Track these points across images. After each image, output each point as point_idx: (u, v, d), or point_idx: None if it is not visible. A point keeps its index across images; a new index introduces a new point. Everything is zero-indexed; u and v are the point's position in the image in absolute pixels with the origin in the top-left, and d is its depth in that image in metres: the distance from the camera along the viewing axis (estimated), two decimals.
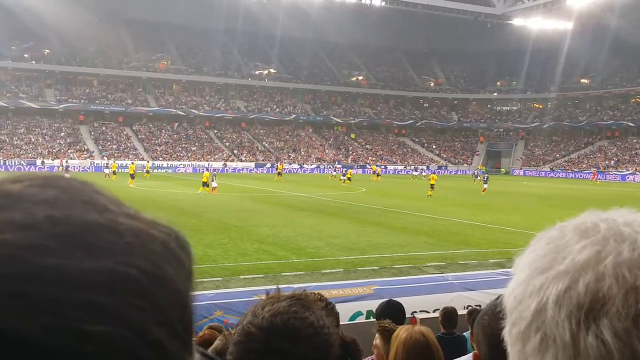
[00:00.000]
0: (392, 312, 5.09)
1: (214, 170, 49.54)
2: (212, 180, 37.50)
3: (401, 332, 3.20)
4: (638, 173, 67.82)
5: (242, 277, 13.88)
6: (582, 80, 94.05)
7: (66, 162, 61.75)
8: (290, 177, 62.45)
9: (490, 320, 1.69)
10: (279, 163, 66.58)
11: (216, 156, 77.16)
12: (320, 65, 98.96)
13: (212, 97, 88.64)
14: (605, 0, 72.40)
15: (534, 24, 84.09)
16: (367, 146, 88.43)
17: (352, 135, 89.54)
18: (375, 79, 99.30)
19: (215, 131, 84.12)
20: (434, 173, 50.23)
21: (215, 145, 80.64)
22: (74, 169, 64.88)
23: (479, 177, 60.01)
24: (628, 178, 67.10)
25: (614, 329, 0.55)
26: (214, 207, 28.97)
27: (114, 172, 50.98)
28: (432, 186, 39.34)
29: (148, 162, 63.61)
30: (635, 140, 79.20)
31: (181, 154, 75.91)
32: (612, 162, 75.42)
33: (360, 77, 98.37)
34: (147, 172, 56.33)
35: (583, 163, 78.46)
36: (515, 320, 0.63)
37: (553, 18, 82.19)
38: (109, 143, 75.03)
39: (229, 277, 13.80)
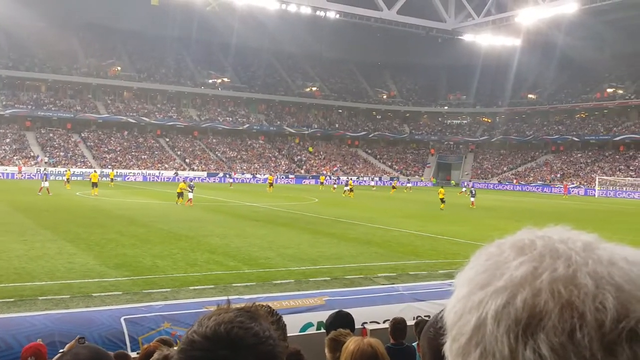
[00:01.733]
0: (341, 323, 5.08)
1: (192, 180, 47.75)
2: (190, 192, 36.09)
3: (350, 344, 3.19)
4: (582, 186, 69.99)
5: (191, 288, 13.65)
6: (530, 96, 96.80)
7: (44, 169, 58.91)
8: (243, 187, 62.07)
9: (435, 332, 1.70)
10: (270, 174, 65.40)
11: (167, 165, 76.11)
12: (274, 75, 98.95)
13: (164, 105, 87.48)
14: (551, 18, 74.71)
15: (484, 40, 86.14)
16: (320, 156, 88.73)
17: (310, 149, 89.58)
18: (329, 90, 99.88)
19: (167, 140, 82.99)
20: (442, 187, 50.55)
21: (167, 153, 79.53)
22: (24, 176, 63.03)
23: (464, 189, 61.04)
24: (573, 191, 69.18)
25: (550, 344, 0.56)
26: (165, 216, 28.52)
27: (68, 180, 49.69)
28: (442, 200, 39.41)
29: (112, 170, 62.40)
30: (579, 155, 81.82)
31: (131, 162, 74.56)
32: (558, 175, 77.67)
33: (314, 88, 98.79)
34: (112, 180, 55.43)
35: (530, 176, 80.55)
36: (455, 336, 0.64)
37: (502, 34, 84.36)
38: (56, 150, 73.12)
39: (178, 288, 13.56)
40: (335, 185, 59.41)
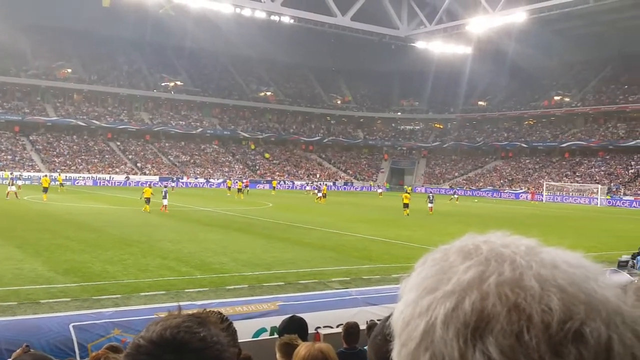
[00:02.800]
0: (294, 328, 5.08)
1: (166, 186, 46.37)
2: (164, 198, 35.16)
3: (301, 349, 3.20)
4: (532, 191, 71.82)
5: (142, 294, 13.44)
6: (480, 103, 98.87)
7: (11, 174, 56.69)
8: (196, 191, 61.44)
9: (383, 339, 1.71)
10: (242, 180, 64.21)
11: (118, 169, 74.72)
12: (228, 79, 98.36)
13: (116, 108, 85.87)
14: (501, 27, 76.52)
15: (436, 47, 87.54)
16: (275, 161, 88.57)
17: (267, 155, 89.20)
18: (283, 95, 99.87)
19: (118, 143, 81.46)
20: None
21: (118, 157, 78.07)
22: None
23: (455, 196, 61.39)
24: (521, 196, 70.90)
25: (499, 346, 0.57)
26: (116, 221, 28.00)
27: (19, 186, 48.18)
28: (406, 205, 38.57)
29: (59, 174, 60.75)
30: (527, 161, 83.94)
31: (81, 166, 72.92)
32: (507, 181, 79.50)
33: (268, 93, 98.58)
34: (61, 185, 53.87)
35: (480, 181, 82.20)
36: (404, 341, 0.64)
37: (453, 42, 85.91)
38: (3, 153, 70.90)
39: (129, 294, 13.33)
40: (319, 194, 54.32)
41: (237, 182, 60.34)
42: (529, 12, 72.41)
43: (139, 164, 77.38)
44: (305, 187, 70.50)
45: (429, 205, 41.33)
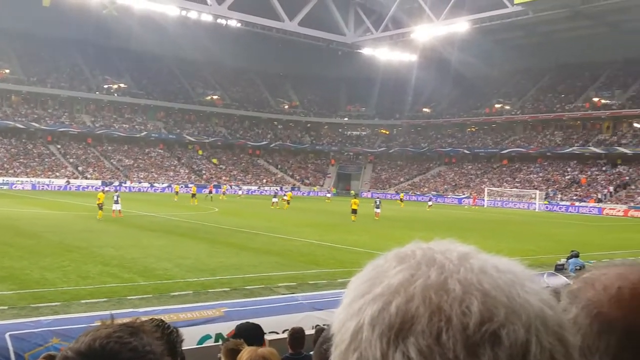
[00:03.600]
0: (251, 333, 5.07)
1: (117, 190, 45.10)
2: (116, 202, 34.05)
3: (243, 355, 3.20)
4: (474, 197, 73.44)
5: (83, 301, 13.11)
6: (425, 109, 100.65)
7: None
8: (140, 196, 60.29)
9: (328, 348, 1.74)
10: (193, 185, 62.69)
11: (58, 173, 72.58)
12: (174, 82, 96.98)
13: (56, 111, 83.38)
14: (445, 36, 78.24)
15: (382, 54, 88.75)
16: (221, 166, 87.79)
17: (215, 160, 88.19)
18: (230, 99, 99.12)
19: (58, 146, 79.14)
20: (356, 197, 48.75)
21: (58, 161, 75.84)
22: None
23: (430, 203, 60.78)
24: (464, 201, 72.47)
25: (418, 347, 0.59)
26: (55, 227, 27.19)
27: None
28: (354, 211, 37.90)
29: None
30: (470, 167, 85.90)
31: (19, 170, 70.49)
32: (450, 186, 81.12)
33: (215, 97, 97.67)
34: None
35: (425, 187, 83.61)
36: (337, 343, 0.66)
37: (399, 49, 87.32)
38: None
39: (69, 302, 12.98)
40: (282, 198, 53.33)
41: (191, 187, 59.64)
42: (471, 22, 74.30)
43: (80, 168, 75.37)
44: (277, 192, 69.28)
45: (376, 210, 41.15)
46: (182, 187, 68.24)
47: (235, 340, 4.08)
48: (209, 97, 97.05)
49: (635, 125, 75.01)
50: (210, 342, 8.46)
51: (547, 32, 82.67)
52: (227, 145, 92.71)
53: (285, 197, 52.64)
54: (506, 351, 0.59)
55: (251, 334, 5.01)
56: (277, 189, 68.14)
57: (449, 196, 76.41)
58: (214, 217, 36.92)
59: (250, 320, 5.89)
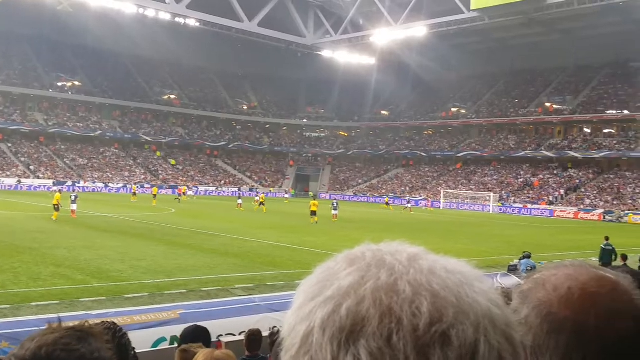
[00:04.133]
0: (197, 337, 5.02)
1: (74, 190, 43.79)
2: (73, 202, 33.29)
3: (199, 357, 3.17)
4: (429, 199, 74.41)
5: (34, 304, 12.78)
6: (384, 112, 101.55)
7: None
8: (94, 196, 59.12)
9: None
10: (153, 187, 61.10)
11: (9, 172, 70.54)
12: (130, 80, 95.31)
13: (7, 108, 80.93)
14: (403, 40, 79.14)
15: (342, 57, 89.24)
16: (178, 167, 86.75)
17: (173, 162, 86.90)
18: (188, 99, 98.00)
19: (9, 145, 76.91)
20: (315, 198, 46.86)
21: (9, 160, 73.70)
22: None
23: (409, 205, 60.04)
24: (420, 203, 73.32)
25: (369, 349, 0.59)
26: (6, 227, 26.44)
27: None
28: (313, 213, 37.21)
29: None
30: (427, 169, 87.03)
31: None
32: (408, 188, 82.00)
33: (172, 96, 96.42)
34: None
35: (383, 188, 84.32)
36: (288, 347, 0.66)
37: (358, 52, 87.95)
38: None
39: (19, 305, 12.64)
40: (254, 200, 53.28)
41: (152, 189, 58.55)
42: (429, 27, 75.34)
43: (32, 167, 73.43)
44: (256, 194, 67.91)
45: (333, 212, 40.91)
46: (138, 187, 67.11)
47: (190, 343, 4.04)
48: (166, 97, 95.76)
49: (586, 130, 77.25)
50: (165, 345, 8.36)
51: (502, 38, 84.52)
52: (185, 146, 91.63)
53: (257, 199, 51.58)
54: (456, 351, 0.59)
55: (196, 337, 4.96)
56: (239, 192, 67.49)
57: (406, 198, 77.19)
58: (171, 219, 36.48)
59: (201, 323, 5.84)
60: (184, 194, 63.21)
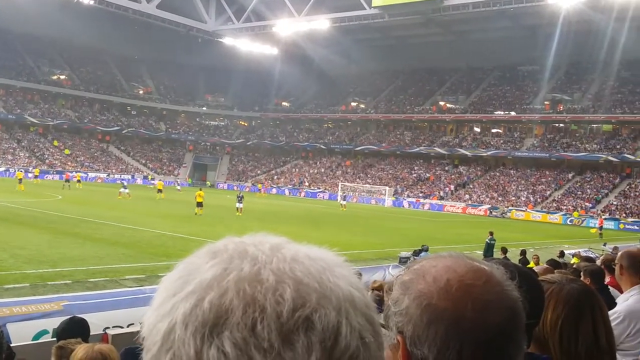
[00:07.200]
0: (74, 330, 4.71)
1: None
2: None
3: (79, 352, 2.96)
4: (327, 191, 75.46)
5: None
6: (284, 103, 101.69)
7: None
8: None
9: None
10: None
11: None
12: (16, 58, 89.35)
13: None
14: (306, 32, 79.53)
15: (244, 45, 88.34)
16: (66, 150, 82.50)
17: (67, 151, 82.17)
18: (79, 80, 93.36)
19: None
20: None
21: None
22: None
23: (344, 202, 56.10)
24: (319, 195, 74.24)
25: (233, 340, 0.59)
26: None
27: None
28: (199, 204, 35.08)
29: None
30: (325, 161, 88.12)
31: None
32: (306, 180, 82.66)
33: (62, 77, 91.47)
34: None
35: (281, 180, 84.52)
36: (149, 346, 0.64)
37: (260, 42, 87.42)
38: None
39: None
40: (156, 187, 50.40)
41: (16, 172, 54.67)
42: (331, 20, 76.15)
43: None
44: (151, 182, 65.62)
45: (238, 205, 37.95)
46: (23, 172, 63.02)
47: (69, 339, 3.77)
48: (55, 77, 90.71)
49: (475, 129, 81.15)
50: (47, 338, 7.92)
51: (402, 37, 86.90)
52: (75, 129, 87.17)
53: (155, 184, 49.92)
54: (319, 335, 0.60)
55: (72, 331, 4.67)
56: (127, 178, 65.12)
57: (305, 190, 77.86)
58: (57, 206, 34.65)
59: (87, 315, 5.53)
60: (70, 180, 59.77)
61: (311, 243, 0.70)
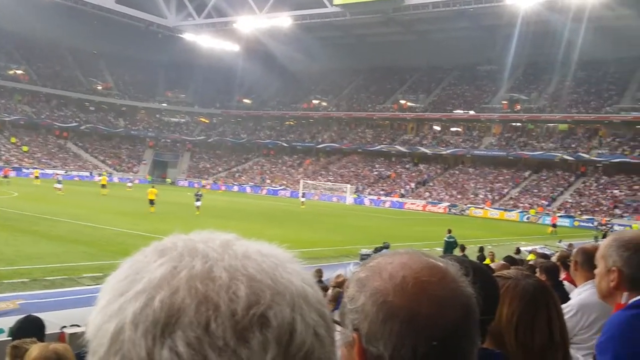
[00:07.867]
0: (29, 328, 4.71)
1: None
2: None
3: (33, 352, 2.97)
4: (288, 188, 75.47)
5: None
6: (245, 100, 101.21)
7: None
8: None
9: None
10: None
11: None
12: None
13: None
14: (268, 29, 79.31)
15: (205, 42, 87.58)
16: (22, 146, 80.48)
17: (25, 148, 79.92)
18: (36, 75, 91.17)
19: None
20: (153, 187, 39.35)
21: None
22: None
23: (303, 199, 55.24)
24: (280, 193, 74.21)
25: (186, 339, 0.57)
26: None
27: None
28: (151, 202, 34.19)
29: None
30: (287, 158, 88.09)
31: None
32: (268, 177, 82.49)
33: (19, 71, 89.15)
34: None
35: (243, 177, 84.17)
36: (94, 349, 0.62)
37: (222, 38, 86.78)
38: None
39: None
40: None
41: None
42: (293, 18, 76.15)
43: None
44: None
45: (196, 203, 36.69)
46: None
47: (23, 338, 3.77)
48: (11, 72, 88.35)
49: (435, 127, 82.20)
50: (3, 337, 7.81)
51: (363, 35, 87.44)
52: (31, 126, 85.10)
53: (99, 180, 49.46)
54: (274, 331, 0.59)
55: (26, 329, 4.66)
56: (56, 175, 62.81)
57: (266, 187, 77.71)
58: (13, 203, 33.89)
59: (44, 314, 5.51)
60: (7, 176, 57.86)
61: (273, 240, 0.69)
